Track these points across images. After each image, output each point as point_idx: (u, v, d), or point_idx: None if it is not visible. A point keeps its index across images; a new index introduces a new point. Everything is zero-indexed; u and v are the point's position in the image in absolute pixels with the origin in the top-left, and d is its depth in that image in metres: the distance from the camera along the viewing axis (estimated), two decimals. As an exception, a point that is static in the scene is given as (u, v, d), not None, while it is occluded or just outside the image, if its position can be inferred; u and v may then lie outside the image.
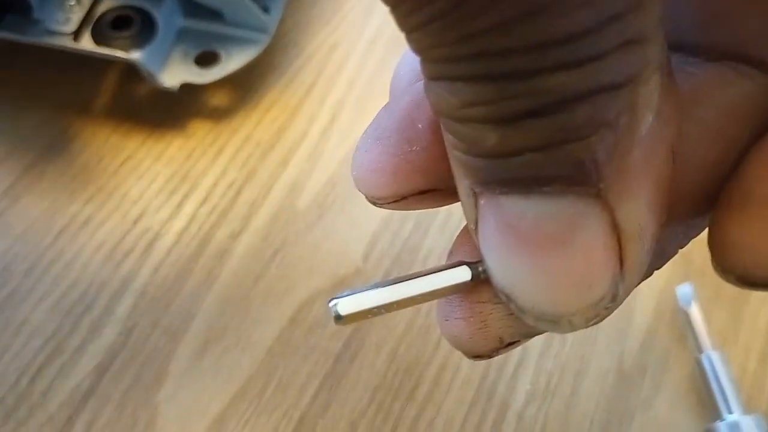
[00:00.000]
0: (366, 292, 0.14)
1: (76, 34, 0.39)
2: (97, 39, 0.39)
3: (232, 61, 0.41)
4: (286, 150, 0.41)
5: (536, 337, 0.37)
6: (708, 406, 0.36)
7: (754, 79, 0.13)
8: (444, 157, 0.13)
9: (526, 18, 0.10)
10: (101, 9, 0.40)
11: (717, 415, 0.36)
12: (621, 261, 0.12)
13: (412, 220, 0.40)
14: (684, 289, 0.39)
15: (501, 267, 0.12)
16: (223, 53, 0.41)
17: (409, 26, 0.11)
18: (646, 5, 0.10)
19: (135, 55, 0.38)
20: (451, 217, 0.40)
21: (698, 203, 0.14)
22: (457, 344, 0.15)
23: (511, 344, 0.15)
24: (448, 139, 0.12)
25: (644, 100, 0.11)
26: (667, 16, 0.11)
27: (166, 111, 0.42)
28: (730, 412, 0.35)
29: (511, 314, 0.14)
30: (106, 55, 0.38)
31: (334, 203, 0.40)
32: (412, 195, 0.15)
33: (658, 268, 0.15)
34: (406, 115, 0.14)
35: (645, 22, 0.10)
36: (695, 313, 0.38)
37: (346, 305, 0.14)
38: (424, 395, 0.35)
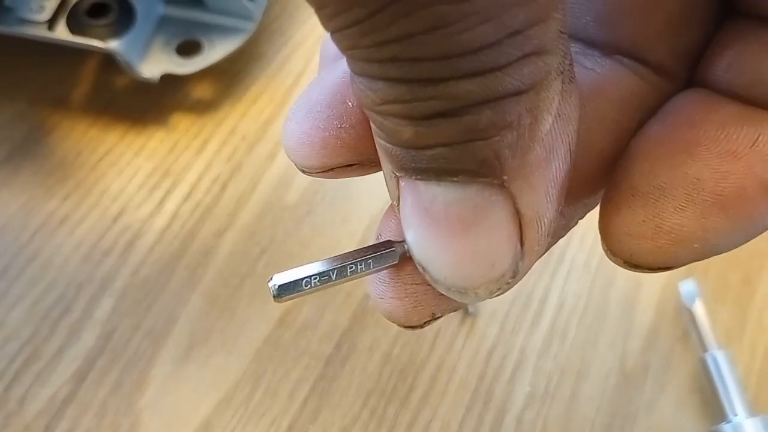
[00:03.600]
0: (302, 268, 0.15)
1: (51, 23, 0.37)
2: (73, 28, 0.37)
3: (216, 51, 0.39)
4: (274, 143, 0.40)
5: (535, 338, 0.36)
6: (713, 407, 0.35)
7: (644, 78, 0.15)
8: (370, 135, 0.14)
9: (433, 31, 0.11)
10: (77, -4, 0.38)
11: (722, 417, 0.34)
12: (521, 243, 0.13)
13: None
14: (687, 286, 0.37)
15: (417, 243, 0.14)
16: (205, 42, 0.39)
17: (331, 28, 0.12)
18: (547, 19, 0.11)
19: (113, 45, 0.36)
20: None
21: (594, 185, 0.16)
22: (393, 319, 0.16)
23: (445, 313, 0.16)
24: (372, 126, 0.13)
25: (545, 104, 0.12)
26: (569, 9, 0.13)
27: (148, 103, 0.40)
28: (735, 414, 0.34)
29: (439, 294, 0.15)
30: (82, 44, 0.36)
31: (323, 198, 0.38)
32: (340, 167, 0.16)
33: (557, 240, 0.18)
34: (336, 91, 0.15)
35: (546, 34, 0.11)
36: (699, 310, 0.37)
37: (281, 280, 0.15)
38: (420, 399, 0.34)
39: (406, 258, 0.15)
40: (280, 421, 0.32)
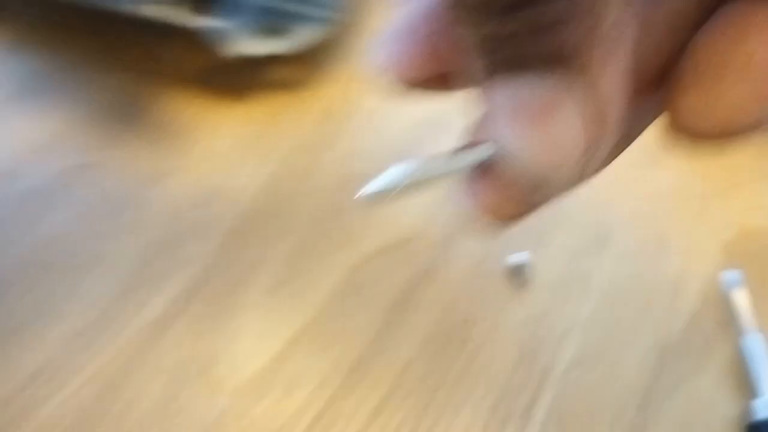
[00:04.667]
0: (391, 171, 0.16)
1: (162, 3, 0.43)
2: (186, 9, 0.43)
3: (302, 37, 0.44)
4: (356, 120, 0.45)
5: (584, 309, 0.39)
6: (749, 387, 0.38)
7: None
8: (460, 46, 0.15)
9: None
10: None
11: (756, 395, 0.37)
12: (595, 130, 0.14)
13: (471, 194, 0.43)
14: (730, 275, 0.40)
15: (503, 136, 0.15)
16: (294, 29, 0.45)
17: None
18: None
19: (210, 24, 0.42)
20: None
21: (655, 83, 0.16)
22: (485, 215, 0.17)
23: (534, 208, 0.17)
24: (457, 26, 0.14)
25: None
26: None
27: (243, 79, 0.46)
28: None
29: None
30: (187, 24, 0.42)
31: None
32: (432, 79, 0.17)
33: (622, 150, 0.18)
34: (429, 8, 0.17)
35: None
36: (740, 297, 0.39)
37: (373, 183, 0.16)
38: (473, 349, 0.38)
39: (488, 163, 0.16)
40: (350, 353, 0.37)
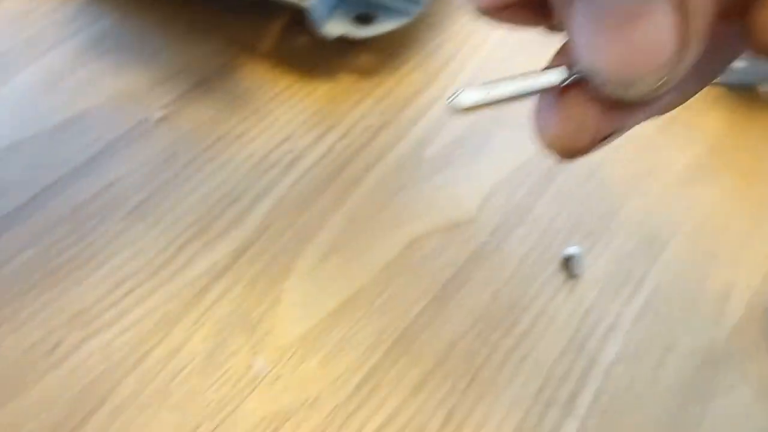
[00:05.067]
0: (480, 87, 0.17)
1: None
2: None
3: (384, 25, 0.46)
4: (420, 108, 0.45)
5: (630, 308, 0.39)
6: (792, 402, 0.38)
7: None
8: None
9: None
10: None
11: (800, 409, 0.37)
12: (684, 31, 0.15)
13: (526, 186, 0.43)
14: (780, 288, 0.40)
15: (588, 45, 0.15)
16: (378, 17, 0.46)
17: None
18: None
19: (307, 3, 0.44)
20: (561, 189, 0.43)
21: (738, 10, 0.16)
22: (557, 146, 0.18)
23: (606, 138, 0.18)
24: None
25: None
26: None
27: (321, 60, 0.47)
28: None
29: (604, 111, 0.17)
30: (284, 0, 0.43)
31: (456, 160, 0.44)
32: (513, 5, 0.18)
33: (704, 86, 0.19)
34: None
35: None
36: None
37: (463, 95, 0.17)
38: (521, 334, 0.38)
39: (571, 85, 0.17)
40: (397, 324, 0.37)
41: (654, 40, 0.14)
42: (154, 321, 0.35)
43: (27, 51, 0.45)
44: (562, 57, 0.18)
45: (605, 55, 0.15)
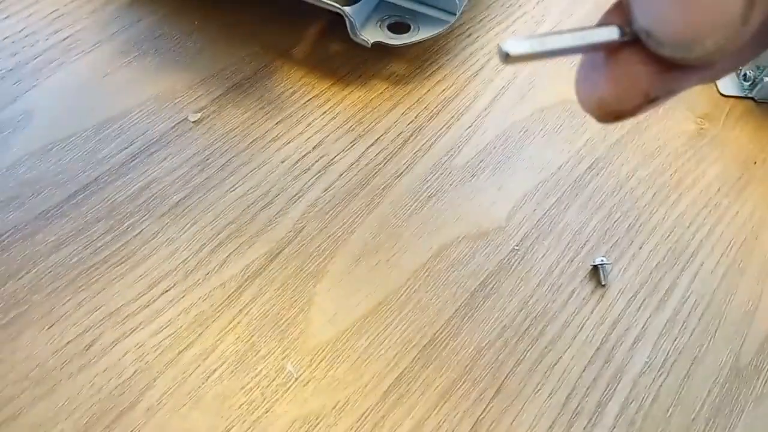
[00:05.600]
0: (531, 38, 0.16)
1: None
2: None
3: (420, 34, 0.46)
4: (451, 117, 0.46)
5: (659, 319, 0.39)
6: (819, 417, 0.37)
7: None
8: None
9: None
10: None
11: (828, 424, 0.37)
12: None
13: (555, 196, 0.43)
14: (809, 304, 0.40)
15: (645, 8, 0.15)
16: (413, 26, 0.47)
17: None
18: None
19: (346, 9, 0.44)
20: (590, 200, 0.43)
21: None
22: (604, 106, 0.17)
23: (654, 101, 0.17)
24: None
25: None
26: None
27: (354, 67, 0.47)
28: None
29: (656, 72, 0.16)
30: (322, 3, 0.44)
31: (486, 168, 0.44)
32: None
33: (759, 54, 0.18)
34: None
35: None
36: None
37: (512, 46, 0.16)
38: (548, 343, 0.38)
39: (621, 44, 0.17)
40: (426, 331, 0.37)
41: (719, 1, 0.14)
42: (187, 322, 0.36)
43: (67, 51, 0.46)
44: (615, 15, 0.17)
45: (666, 15, 0.15)
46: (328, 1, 0.44)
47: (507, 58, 0.16)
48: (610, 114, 0.17)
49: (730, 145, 0.48)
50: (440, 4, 0.47)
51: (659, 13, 0.15)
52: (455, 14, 0.47)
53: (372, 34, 0.46)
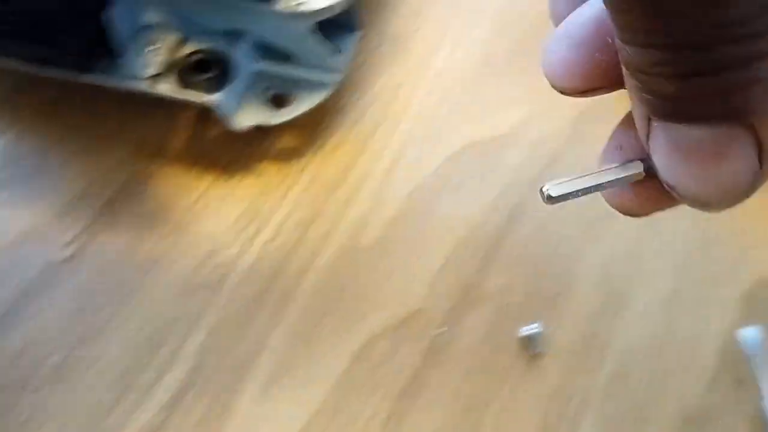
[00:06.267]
0: (569, 181, 0.19)
1: (158, 78, 0.41)
2: (177, 82, 0.41)
3: (303, 103, 0.43)
4: (352, 188, 0.42)
5: (600, 376, 0.37)
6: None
7: None
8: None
9: (707, 7, 0.14)
10: (181, 53, 0.42)
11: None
12: (760, 164, 0.16)
13: (474, 260, 0.40)
14: (748, 333, 0.38)
15: (668, 171, 0.17)
16: (294, 95, 0.43)
17: (610, 6, 0.15)
18: None
19: (211, 98, 0.40)
20: (513, 254, 0.41)
21: None
22: (619, 208, 0.20)
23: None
24: (631, 81, 0.16)
25: None
26: None
27: (238, 151, 0.43)
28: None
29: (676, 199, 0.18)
30: (185, 99, 0.40)
31: (397, 241, 0.41)
32: (592, 90, 0.19)
33: None
34: (594, 28, 0.18)
35: None
36: (757, 356, 0.38)
37: (553, 189, 0.19)
38: (490, 429, 0.36)
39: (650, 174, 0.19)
40: (356, 451, 0.35)
41: (734, 175, 0.16)
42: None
43: None
44: (625, 136, 0.19)
45: (685, 180, 0.17)
46: (191, 98, 0.40)
47: (550, 199, 0.19)
48: (625, 213, 0.20)
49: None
50: (322, 64, 0.43)
51: (678, 177, 0.17)
52: (338, 73, 0.43)
53: (251, 114, 0.42)
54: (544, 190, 0.19)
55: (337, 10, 0.40)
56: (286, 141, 0.44)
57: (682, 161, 0.16)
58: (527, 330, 0.38)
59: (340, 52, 0.43)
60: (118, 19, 0.40)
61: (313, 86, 0.43)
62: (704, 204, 0.17)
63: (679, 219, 0.43)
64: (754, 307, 0.40)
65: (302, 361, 0.37)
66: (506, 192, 0.43)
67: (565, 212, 0.42)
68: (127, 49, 0.41)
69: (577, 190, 0.19)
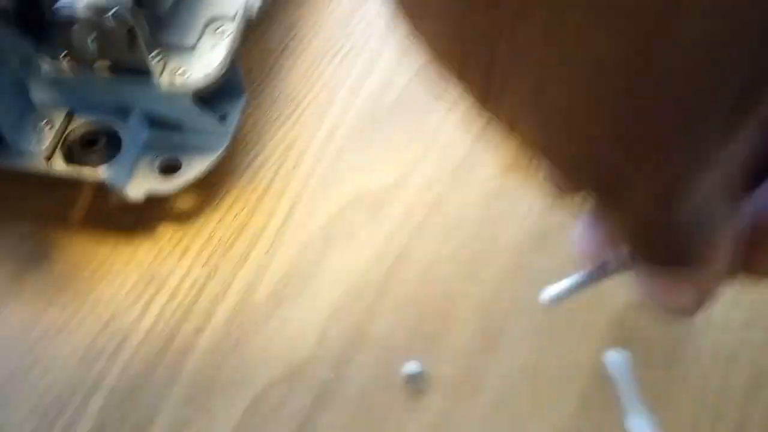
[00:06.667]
0: (566, 284, 0.24)
1: (48, 154, 0.43)
2: (68, 158, 0.43)
3: (194, 168, 0.45)
4: (246, 246, 0.45)
5: (479, 409, 0.40)
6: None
7: None
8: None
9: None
10: (70, 128, 0.44)
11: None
12: (706, 299, 0.21)
13: (361, 305, 0.43)
14: (613, 355, 0.42)
15: (645, 291, 0.22)
16: (185, 161, 0.45)
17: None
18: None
19: (101, 173, 0.42)
20: (397, 298, 0.44)
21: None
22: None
23: None
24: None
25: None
26: None
27: (137, 216, 0.46)
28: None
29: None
30: (75, 176, 0.42)
31: (291, 293, 0.43)
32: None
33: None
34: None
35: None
36: (624, 378, 0.41)
37: (552, 294, 0.24)
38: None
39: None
40: (250, 498, 0.37)
41: (685, 303, 0.21)
42: None
43: None
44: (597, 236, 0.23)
45: (655, 300, 0.22)
46: (81, 175, 0.42)
47: (550, 303, 0.23)
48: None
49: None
50: (208, 130, 0.46)
51: (651, 297, 0.22)
52: (226, 136, 0.46)
53: (143, 183, 0.44)
54: (543, 296, 0.24)
55: (213, 80, 0.43)
56: (183, 203, 0.47)
57: (651, 287, 0.21)
58: (409, 368, 0.41)
59: (224, 118, 0.46)
60: (6, 100, 0.42)
61: (202, 152, 0.45)
62: (669, 312, 0.22)
63: (550, 249, 0.47)
64: (621, 330, 0.44)
65: (199, 416, 0.39)
66: (391, 240, 0.46)
67: (446, 254, 0.46)
68: (17, 128, 0.43)
69: (574, 290, 0.23)
